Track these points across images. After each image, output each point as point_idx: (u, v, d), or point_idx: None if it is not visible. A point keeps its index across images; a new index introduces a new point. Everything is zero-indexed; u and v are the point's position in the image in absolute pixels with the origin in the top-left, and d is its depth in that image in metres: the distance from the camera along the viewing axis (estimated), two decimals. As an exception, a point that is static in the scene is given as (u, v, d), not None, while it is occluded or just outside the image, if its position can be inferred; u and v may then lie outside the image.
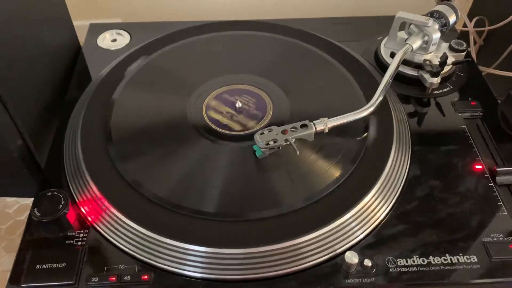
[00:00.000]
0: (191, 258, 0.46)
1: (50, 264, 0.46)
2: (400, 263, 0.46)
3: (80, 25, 0.74)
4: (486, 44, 0.80)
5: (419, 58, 0.63)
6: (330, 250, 0.47)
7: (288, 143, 0.51)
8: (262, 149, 0.52)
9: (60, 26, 0.68)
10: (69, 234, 0.48)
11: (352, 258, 0.45)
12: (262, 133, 0.52)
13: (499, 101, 0.63)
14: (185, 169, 0.52)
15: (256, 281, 0.45)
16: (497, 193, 0.52)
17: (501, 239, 0.48)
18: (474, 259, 0.47)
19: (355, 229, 0.48)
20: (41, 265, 0.46)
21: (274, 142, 0.51)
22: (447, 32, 0.65)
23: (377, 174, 0.51)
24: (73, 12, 0.72)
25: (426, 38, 0.62)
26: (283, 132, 0.52)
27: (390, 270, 0.46)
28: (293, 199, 0.49)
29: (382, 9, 0.84)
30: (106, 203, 0.49)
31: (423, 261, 0.47)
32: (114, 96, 0.60)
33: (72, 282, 0.45)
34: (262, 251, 0.46)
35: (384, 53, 0.67)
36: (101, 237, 0.48)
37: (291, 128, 0.52)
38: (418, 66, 0.63)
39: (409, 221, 0.50)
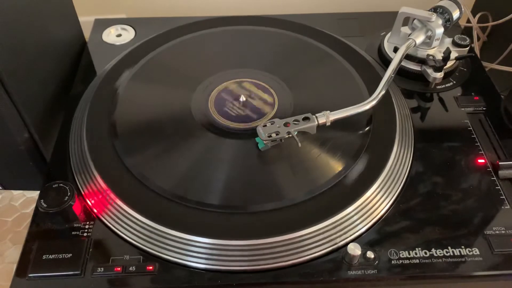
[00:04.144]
0: (195, 249, 0.46)
1: (56, 255, 0.46)
2: (403, 255, 0.47)
3: (86, 20, 0.75)
4: (490, 39, 0.80)
5: (422, 53, 0.63)
6: (332, 243, 0.47)
7: (290, 135, 0.51)
8: (264, 141, 0.52)
9: (66, 21, 0.69)
10: (75, 225, 0.49)
11: (355, 250, 0.45)
12: (265, 126, 0.52)
13: (502, 96, 0.63)
14: (189, 161, 0.53)
15: (259, 273, 0.46)
16: (499, 187, 0.53)
17: (503, 232, 0.49)
18: (476, 252, 0.47)
19: (357, 222, 0.49)
20: (47, 255, 0.46)
21: (277, 134, 0.51)
22: (451, 27, 0.65)
23: (380, 168, 0.52)
24: (79, 7, 0.72)
25: (429, 33, 0.62)
26: (286, 124, 0.52)
27: (393, 262, 0.46)
28: (296, 192, 0.50)
29: (386, 4, 0.84)
30: (112, 195, 0.49)
31: (426, 253, 0.47)
32: (119, 90, 0.60)
33: (78, 272, 0.45)
34: (265, 243, 0.46)
35: (388, 48, 0.67)
36: (106, 228, 0.49)
37: (294, 120, 0.52)
38: (422, 61, 0.63)
39: (412, 214, 0.50)
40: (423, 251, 0.47)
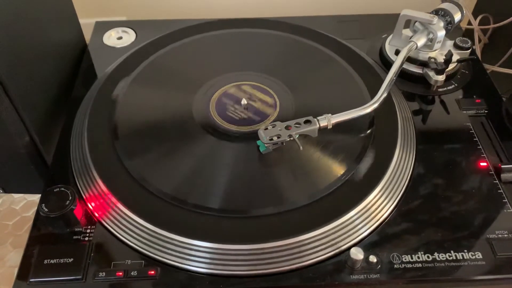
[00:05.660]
0: (197, 253, 0.46)
1: (57, 259, 0.46)
2: (405, 259, 0.47)
3: (86, 23, 0.75)
4: (491, 42, 0.80)
5: (423, 55, 0.63)
6: (335, 247, 0.47)
7: (291, 138, 0.51)
8: (265, 145, 0.52)
9: (66, 24, 0.69)
10: (76, 229, 0.49)
11: (357, 254, 0.45)
12: (266, 129, 0.52)
13: (503, 98, 0.63)
14: (190, 165, 0.53)
15: (261, 277, 0.46)
16: (502, 190, 0.52)
17: (506, 235, 0.48)
18: (479, 256, 0.47)
19: (360, 226, 0.48)
20: (48, 260, 0.46)
21: (278, 137, 0.51)
22: (452, 30, 0.65)
23: (382, 171, 0.52)
24: (79, 10, 0.72)
25: (431, 35, 0.62)
26: (287, 127, 0.52)
27: (395, 266, 0.46)
28: (298, 196, 0.50)
29: (387, 7, 0.84)
30: (113, 199, 0.49)
31: (428, 257, 0.47)
32: (120, 93, 0.60)
33: (80, 277, 0.45)
34: (267, 247, 0.46)
35: (389, 50, 0.67)
36: (107, 232, 0.48)
37: (295, 124, 0.52)
38: (423, 64, 0.63)
39: (414, 218, 0.50)
40: (426, 255, 0.47)
